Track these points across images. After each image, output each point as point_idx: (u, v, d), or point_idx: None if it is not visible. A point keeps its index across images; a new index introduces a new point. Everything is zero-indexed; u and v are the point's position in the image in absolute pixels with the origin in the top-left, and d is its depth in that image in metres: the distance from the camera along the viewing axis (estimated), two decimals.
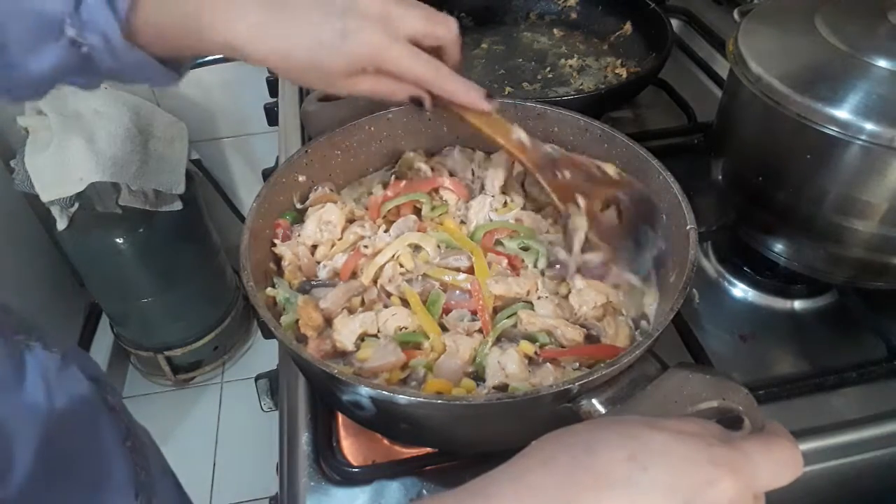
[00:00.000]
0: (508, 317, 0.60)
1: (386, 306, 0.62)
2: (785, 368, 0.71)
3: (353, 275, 0.65)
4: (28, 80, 0.52)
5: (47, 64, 0.50)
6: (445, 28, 0.58)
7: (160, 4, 0.51)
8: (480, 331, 0.59)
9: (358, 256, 0.64)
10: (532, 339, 0.58)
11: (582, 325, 0.60)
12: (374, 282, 0.64)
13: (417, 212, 0.71)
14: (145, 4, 0.50)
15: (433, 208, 0.70)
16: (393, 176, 0.74)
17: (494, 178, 0.72)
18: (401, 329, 0.59)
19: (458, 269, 0.63)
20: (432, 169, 0.75)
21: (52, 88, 0.55)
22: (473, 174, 0.75)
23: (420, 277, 0.63)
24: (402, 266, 0.64)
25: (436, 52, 0.58)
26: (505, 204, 0.71)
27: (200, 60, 1.05)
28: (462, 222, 0.70)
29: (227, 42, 0.52)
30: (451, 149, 0.77)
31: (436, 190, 0.72)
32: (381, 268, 0.63)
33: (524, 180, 0.74)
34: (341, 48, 0.53)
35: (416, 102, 0.60)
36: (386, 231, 0.68)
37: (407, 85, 0.57)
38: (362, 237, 0.67)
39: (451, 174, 0.74)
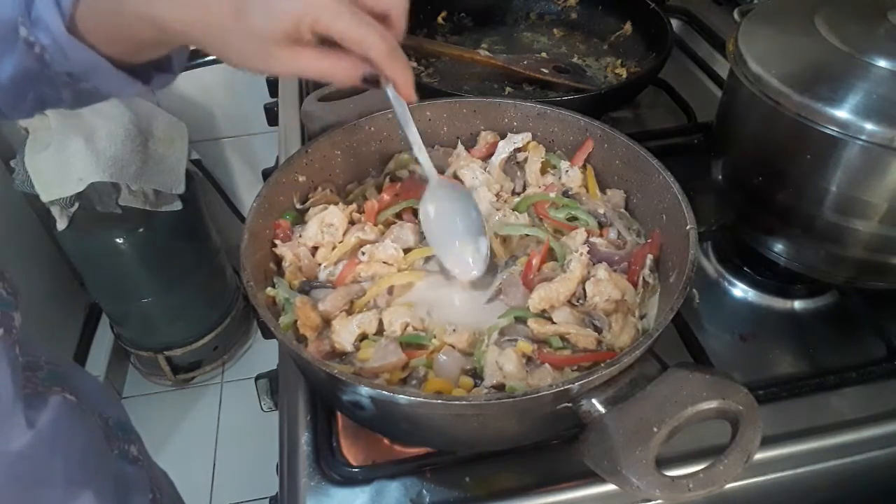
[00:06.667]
0: (508, 317, 0.60)
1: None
2: (785, 368, 0.71)
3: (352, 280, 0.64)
4: None
5: (9, 70, 0.49)
6: None
7: None
8: None
9: (354, 265, 0.64)
10: (548, 343, 0.59)
11: (588, 315, 0.60)
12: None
13: (415, 212, 0.70)
14: None
15: None
16: (387, 178, 0.74)
17: (477, 171, 0.72)
18: (405, 325, 0.59)
19: None
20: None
21: (24, 101, 0.53)
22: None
23: None
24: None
25: (380, 21, 0.49)
26: (498, 197, 0.71)
27: (200, 61, 1.05)
28: None
29: (145, 14, 0.46)
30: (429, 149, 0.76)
31: None
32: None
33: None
34: (273, 7, 0.45)
35: (371, 82, 0.50)
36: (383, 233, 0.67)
37: (356, 61, 0.48)
38: (363, 241, 0.67)
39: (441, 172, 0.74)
